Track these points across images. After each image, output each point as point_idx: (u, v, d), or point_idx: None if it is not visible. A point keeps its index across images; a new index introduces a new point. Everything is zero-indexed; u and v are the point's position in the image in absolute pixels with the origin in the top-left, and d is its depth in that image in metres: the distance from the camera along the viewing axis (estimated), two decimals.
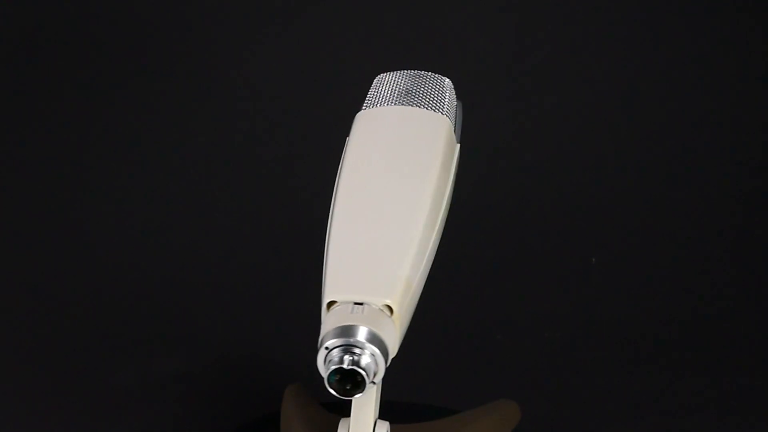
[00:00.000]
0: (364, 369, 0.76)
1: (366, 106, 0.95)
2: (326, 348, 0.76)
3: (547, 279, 1.46)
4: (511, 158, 1.56)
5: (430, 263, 0.86)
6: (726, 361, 1.33)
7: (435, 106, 0.93)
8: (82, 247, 1.48)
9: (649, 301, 1.43)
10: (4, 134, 1.56)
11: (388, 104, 0.94)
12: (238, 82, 1.59)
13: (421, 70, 0.98)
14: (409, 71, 0.97)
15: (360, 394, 0.77)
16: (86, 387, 1.27)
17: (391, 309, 0.79)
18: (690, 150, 1.57)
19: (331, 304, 0.79)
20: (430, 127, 0.92)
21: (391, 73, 0.97)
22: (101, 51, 1.59)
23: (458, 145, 0.94)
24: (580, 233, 1.51)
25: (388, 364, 0.78)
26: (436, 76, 0.97)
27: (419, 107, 0.93)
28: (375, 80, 0.97)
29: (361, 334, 0.76)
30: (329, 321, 0.78)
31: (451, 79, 0.98)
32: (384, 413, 0.92)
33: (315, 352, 0.77)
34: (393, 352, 0.78)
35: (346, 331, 0.76)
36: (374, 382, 0.77)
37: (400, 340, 0.80)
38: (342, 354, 0.76)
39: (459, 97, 0.98)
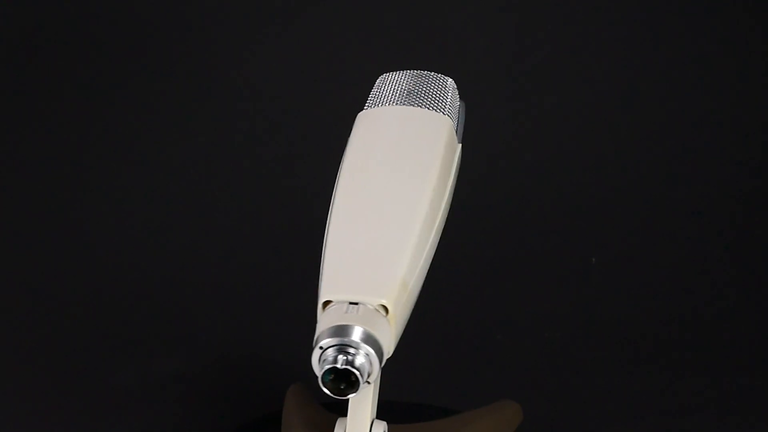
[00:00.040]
0: (358, 369, 0.76)
1: (368, 106, 0.95)
2: (320, 347, 0.76)
3: (547, 279, 1.46)
4: (511, 158, 1.56)
5: (429, 263, 0.86)
6: (726, 361, 1.33)
7: (437, 107, 0.93)
8: (82, 247, 1.48)
9: (649, 301, 1.43)
10: (4, 134, 1.56)
11: (389, 104, 0.94)
12: (238, 82, 1.59)
13: (423, 70, 0.98)
14: (412, 71, 0.97)
15: (354, 394, 0.77)
16: (86, 387, 1.27)
17: (386, 309, 0.79)
18: (690, 150, 1.57)
19: (326, 303, 0.79)
20: (431, 127, 0.92)
21: (394, 72, 0.97)
22: (101, 51, 1.59)
23: (460, 145, 0.94)
24: (580, 233, 1.51)
25: (383, 364, 0.78)
26: (439, 76, 0.97)
27: (421, 107, 0.93)
28: (378, 80, 0.97)
29: (356, 334, 0.76)
30: (324, 320, 0.78)
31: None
32: (384, 413, 0.92)
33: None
34: (388, 352, 0.79)
35: (341, 330, 0.77)
36: (369, 382, 0.77)
37: (396, 340, 0.80)
38: (336, 354, 0.76)
39: (459, 97, 0.98)
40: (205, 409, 1.24)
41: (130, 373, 1.29)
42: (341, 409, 0.92)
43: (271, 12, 1.59)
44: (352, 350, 0.76)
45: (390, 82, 0.96)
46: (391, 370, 0.96)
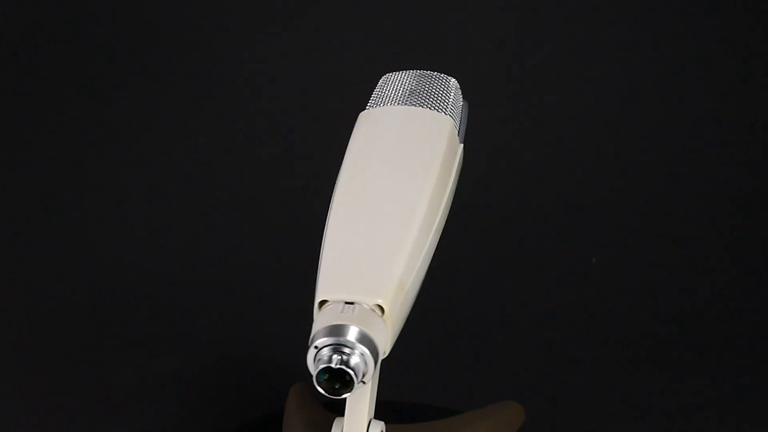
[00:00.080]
0: (352, 369, 0.76)
1: (370, 106, 0.95)
2: (315, 347, 0.76)
3: (547, 279, 1.46)
4: (511, 158, 1.56)
5: (428, 263, 0.86)
6: (726, 361, 1.33)
7: (438, 107, 0.93)
8: (82, 247, 1.48)
9: (649, 301, 1.43)
10: (4, 134, 1.56)
11: (391, 104, 0.94)
12: (238, 82, 1.59)
13: (426, 70, 0.98)
14: (415, 71, 0.97)
15: (348, 394, 0.77)
16: (86, 387, 1.27)
17: (382, 309, 0.79)
18: (690, 150, 1.57)
19: (323, 303, 0.79)
20: (432, 127, 0.92)
21: (397, 72, 0.97)
22: (101, 51, 1.59)
23: (461, 145, 0.94)
24: (580, 233, 1.51)
25: (379, 363, 0.78)
26: (442, 75, 0.97)
27: (422, 107, 0.93)
28: (381, 80, 0.97)
29: (351, 334, 0.76)
30: (320, 320, 0.78)
31: None
32: (383, 413, 0.92)
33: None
34: (384, 352, 0.79)
35: (336, 330, 0.77)
36: (364, 382, 0.77)
37: (393, 340, 0.80)
38: (331, 353, 0.76)
39: (462, 97, 0.98)
40: (205, 409, 1.24)
41: (130, 373, 1.29)
42: (342, 409, 0.92)
43: (271, 12, 1.59)
44: (347, 350, 0.76)
45: (392, 82, 0.96)
46: (391, 370, 0.96)
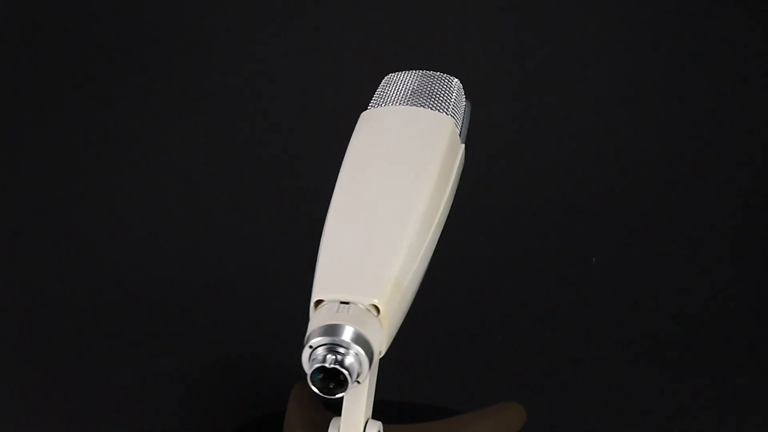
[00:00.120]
0: (347, 369, 0.76)
1: (372, 106, 0.95)
2: (310, 346, 0.77)
3: (547, 279, 1.46)
4: (511, 158, 1.56)
5: (426, 263, 0.86)
6: (726, 361, 1.33)
7: (440, 107, 0.93)
8: (82, 247, 1.48)
9: (649, 301, 1.43)
10: (4, 134, 1.56)
11: (393, 104, 0.94)
12: (238, 82, 1.59)
13: (429, 70, 0.97)
14: (417, 71, 0.97)
15: (342, 393, 0.77)
16: (86, 387, 1.27)
17: (378, 309, 0.79)
18: (690, 150, 1.57)
19: (318, 303, 0.79)
20: (433, 128, 0.92)
21: (400, 73, 0.97)
22: (101, 51, 1.59)
23: (463, 145, 0.94)
24: (580, 233, 1.51)
25: (374, 363, 0.78)
26: (445, 76, 0.97)
27: (424, 107, 0.93)
28: (384, 80, 0.97)
29: (345, 334, 0.77)
30: (315, 320, 0.78)
31: None
32: (383, 413, 0.92)
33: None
34: (379, 351, 0.79)
35: (330, 330, 0.77)
36: (358, 382, 0.77)
37: (389, 340, 0.80)
38: (326, 353, 0.76)
39: (465, 97, 0.98)
40: (205, 409, 1.24)
41: (130, 373, 1.29)
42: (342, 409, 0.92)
43: (271, 12, 1.59)
44: (341, 350, 0.76)
45: (395, 82, 0.96)
46: (391, 370, 0.96)
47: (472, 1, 1.59)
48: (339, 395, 0.77)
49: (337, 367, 0.76)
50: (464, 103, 0.97)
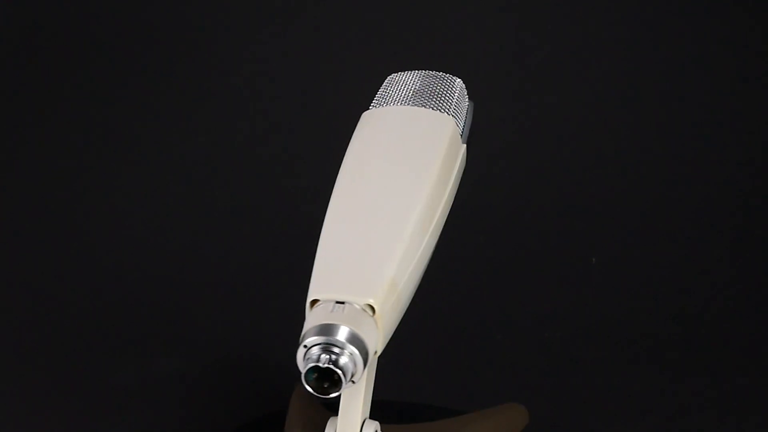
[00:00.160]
0: (341, 368, 0.76)
1: (373, 106, 0.95)
2: (305, 346, 0.77)
3: (547, 279, 1.46)
4: (511, 158, 1.56)
5: (424, 263, 0.86)
6: (726, 361, 1.33)
7: (441, 107, 0.93)
8: (81, 247, 1.48)
9: (649, 300, 1.43)
10: (4, 134, 1.56)
11: (395, 104, 0.94)
12: (238, 82, 1.58)
13: (432, 70, 0.97)
14: (420, 71, 0.97)
15: (336, 393, 0.77)
16: (86, 387, 1.27)
17: (373, 308, 0.79)
18: (690, 150, 1.57)
19: (314, 302, 0.79)
20: (433, 128, 0.92)
21: (403, 73, 0.97)
22: (101, 51, 1.59)
23: (464, 145, 0.94)
24: (580, 233, 1.51)
25: (369, 363, 0.78)
26: (447, 76, 0.97)
27: (425, 107, 0.93)
28: (386, 80, 0.97)
29: (340, 334, 0.77)
30: (310, 319, 0.78)
31: None
32: (383, 413, 0.92)
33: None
34: (375, 352, 0.79)
35: (325, 329, 0.77)
36: (353, 381, 0.77)
37: (385, 340, 0.80)
38: (320, 352, 0.76)
39: (468, 97, 0.98)
40: (205, 409, 1.24)
41: (130, 373, 1.29)
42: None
43: (271, 12, 1.59)
44: (336, 349, 0.76)
45: (397, 82, 0.96)
46: (391, 370, 0.96)
47: (472, 0, 1.59)
48: (333, 395, 0.77)
49: (331, 366, 0.76)
50: (467, 103, 0.97)
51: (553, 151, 1.57)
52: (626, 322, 1.39)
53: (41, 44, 1.58)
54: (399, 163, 0.89)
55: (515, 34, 1.60)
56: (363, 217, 0.85)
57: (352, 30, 1.59)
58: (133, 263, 1.46)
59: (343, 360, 0.76)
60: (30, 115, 1.57)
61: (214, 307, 1.41)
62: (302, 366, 0.77)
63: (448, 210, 0.90)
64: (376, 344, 0.79)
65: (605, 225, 1.52)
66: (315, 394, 0.77)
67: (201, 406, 1.25)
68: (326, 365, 0.76)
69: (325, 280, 0.80)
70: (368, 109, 0.95)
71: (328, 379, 0.77)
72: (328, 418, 0.96)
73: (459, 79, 0.97)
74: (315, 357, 0.76)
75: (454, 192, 0.91)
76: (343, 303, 0.79)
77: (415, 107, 0.93)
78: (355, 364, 0.77)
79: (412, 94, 0.94)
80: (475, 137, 0.97)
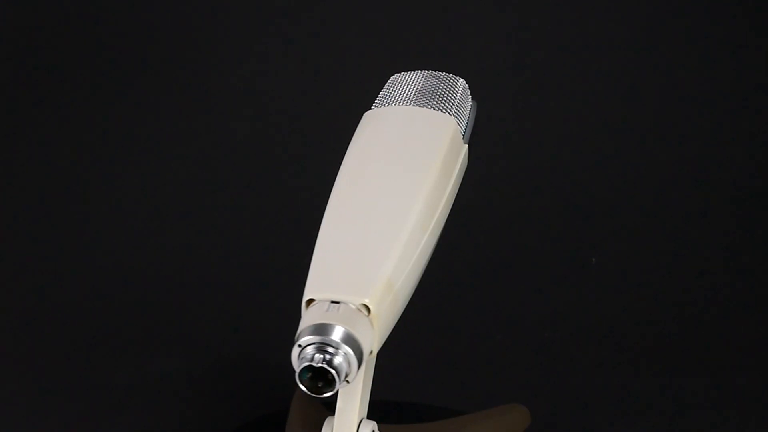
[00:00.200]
0: (335, 368, 0.76)
1: (376, 106, 0.95)
2: (299, 345, 0.77)
3: (547, 279, 1.46)
4: (511, 158, 1.56)
5: (423, 263, 0.86)
6: (726, 361, 1.33)
7: (443, 107, 0.93)
8: (81, 247, 1.48)
9: (649, 301, 1.43)
10: (4, 134, 1.56)
11: (397, 104, 0.94)
12: (238, 82, 1.58)
13: (435, 71, 0.97)
14: (423, 71, 0.97)
15: (330, 393, 0.77)
16: (86, 387, 1.27)
17: (369, 308, 0.79)
18: (690, 150, 1.57)
19: (310, 302, 0.79)
20: (434, 128, 0.92)
21: (406, 73, 0.97)
22: (102, 51, 1.59)
23: (466, 146, 0.94)
24: (580, 233, 1.51)
25: (364, 363, 0.78)
26: (450, 76, 0.97)
27: (427, 108, 0.93)
28: (389, 80, 0.97)
29: (335, 333, 0.77)
30: (305, 318, 0.78)
31: None
32: (382, 413, 0.91)
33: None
34: (369, 351, 0.78)
35: (320, 329, 0.77)
36: (348, 381, 0.77)
37: (381, 340, 0.80)
38: (314, 352, 0.76)
39: (471, 97, 0.97)
40: (205, 409, 1.24)
41: (130, 373, 1.29)
42: None
43: (271, 12, 1.59)
44: (330, 349, 0.76)
45: (400, 82, 0.96)
46: (391, 370, 0.96)
47: (473, 1, 1.59)
48: (327, 394, 0.77)
49: (325, 366, 0.76)
50: (470, 104, 0.96)
51: (553, 151, 1.57)
52: (626, 323, 1.39)
53: (41, 44, 1.58)
54: (398, 162, 0.89)
55: (516, 34, 1.60)
56: (360, 217, 0.85)
57: (355, 30, 1.59)
58: (133, 263, 1.46)
59: (338, 360, 0.76)
60: (30, 115, 1.57)
61: (214, 307, 1.41)
62: (296, 365, 0.77)
63: (449, 210, 0.90)
64: (372, 344, 0.79)
65: (605, 225, 1.52)
66: (309, 393, 0.77)
67: (201, 406, 1.25)
68: (320, 365, 0.76)
69: (321, 280, 0.80)
70: (370, 108, 0.95)
71: (322, 378, 0.77)
72: (325, 416, 0.96)
73: (462, 80, 0.97)
74: (309, 356, 0.76)
75: (455, 192, 0.91)
76: (338, 303, 0.79)
77: (417, 107, 0.93)
78: (349, 364, 0.77)
79: (415, 94, 0.94)
80: (477, 137, 0.97)
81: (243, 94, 1.58)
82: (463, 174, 0.93)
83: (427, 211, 0.86)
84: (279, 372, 1.28)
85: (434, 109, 0.93)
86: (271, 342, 1.34)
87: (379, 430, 0.89)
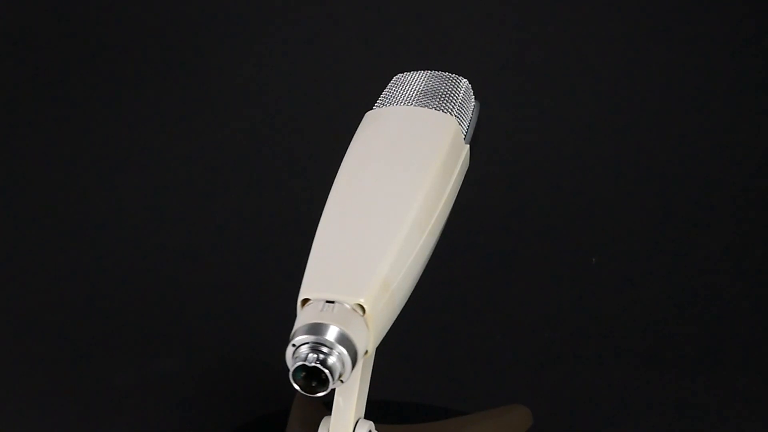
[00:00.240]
0: (329, 368, 0.76)
1: (377, 106, 0.95)
2: (293, 345, 0.77)
3: (547, 279, 1.46)
4: (511, 158, 1.56)
5: (421, 263, 0.86)
6: (726, 361, 1.33)
7: (444, 107, 0.93)
8: (81, 247, 1.48)
9: (649, 301, 1.43)
10: (4, 134, 1.56)
11: (399, 104, 0.94)
12: (238, 82, 1.58)
13: (438, 71, 0.97)
14: (426, 71, 0.97)
15: (324, 393, 0.77)
16: (86, 387, 1.27)
17: (363, 308, 0.79)
18: (690, 150, 1.57)
19: (306, 301, 0.79)
20: (435, 128, 0.92)
21: (409, 73, 0.97)
22: (102, 51, 1.59)
23: (467, 146, 0.94)
24: (580, 233, 1.51)
25: (358, 363, 0.78)
26: (453, 76, 0.96)
27: (428, 108, 0.93)
28: (393, 79, 0.97)
29: (329, 333, 0.77)
30: (300, 318, 0.78)
31: None
32: (382, 413, 0.91)
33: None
34: (363, 352, 0.79)
35: (314, 329, 0.77)
36: (342, 381, 0.77)
37: (377, 340, 0.80)
38: (308, 351, 0.76)
39: (474, 97, 0.97)
40: (205, 409, 1.24)
41: (130, 373, 1.29)
42: None
43: (272, 12, 1.59)
44: (324, 349, 0.76)
45: (402, 83, 0.96)
46: (391, 370, 0.96)
47: (473, 0, 1.59)
48: (321, 394, 0.77)
49: (318, 366, 0.76)
50: (473, 104, 0.96)
51: (553, 151, 1.57)
52: (626, 322, 1.39)
53: (41, 44, 1.58)
54: (397, 162, 0.89)
55: (516, 34, 1.60)
56: (358, 217, 0.85)
57: (358, 29, 1.59)
58: (133, 263, 1.46)
59: (331, 360, 0.76)
60: (30, 115, 1.57)
61: (214, 307, 1.41)
62: (290, 364, 0.77)
63: (449, 210, 0.90)
64: (366, 344, 0.79)
65: (605, 225, 1.52)
66: (302, 392, 0.77)
67: (201, 406, 1.25)
68: (313, 364, 0.76)
69: (316, 280, 0.81)
70: (372, 108, 0.95)
71: (316, 378, 0.77)
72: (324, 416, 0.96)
73: (465, 80, 0.97)
74: (303, 356, 0.77)
75: (456, 192, 0.91)
76: (333, 302, 0.79)
77: (418, 107, 0.93)
78: (343, 364, 0.77)
79: (416, 94, 0.94)
80: (480, 137, 0.96)
81: (244, 93, 1.58)
82: (464, 174, 0.93)
83: (426, 211, 0.86)
84: (279, 372, 1.28)
85: (436, 109, 0.93)
86: (271, 342, 1.34)
87: (376, 429, 0.89)
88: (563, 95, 1.59)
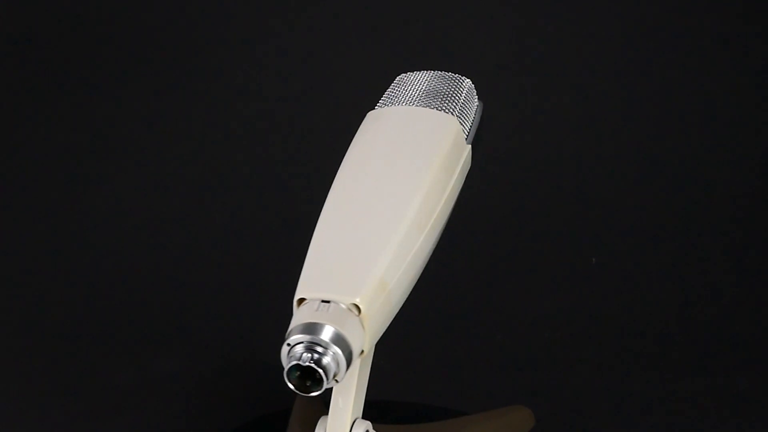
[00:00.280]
0: (323, 368, 0.76)
1: (379, 106, 0.95)
2: (288, 344, 0.77)
3: (547, 279, 1.46)
4: (511, 158, 1.56)
5: (420, 264, 0.86)
6: (726, 361, 1.33)
7: (447, 108, 0.93)
8: (81, 247, 1.48)
9: (649, 301, 1.43)
10: (4, 134, 1.56)
11: (401, 104, 0.94)
12: (239, 81, 1.58)
13: (441, 71, 0.97)
14: (430, 71, 0.97)
15: (318, 392, 0.77)
16: (86, 387, 1.27)
17: (359, 308, 0.79)
18: (690, 150, 1.57)
19: (302, 301, 0.79)
20: (436, 128, 0.92)
21: (412, 73, 0.97)
22: (102, 51, 1.58)
23: (469, 146, 0.94)
24: (580, 233, 1.51)
25: (354, 363, 0.78)
26: (456, 76, 0.96)
27: (430, 108, 0.93)
28: (396, 79, 0.97)
29: (324, 333, 0.77)
30: (296, 317, 0.78)
31: None
32: (384, 413, 0.91)
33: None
34: (359, 351, 0.79)
35: (309, 328, 0.77)
36: (336, 381, 0.77)
37: (372, 340, 0.80)
38: (303, 351, 0.76)
39: (477, 98, 0.97)
40: (205, 409, 1.24)
41: (130, 373, 1.29)
42: None
43: (272, 12, 1.59)
44: (319, 348, 0.76)
45: (405, 83, 0.96)
46: (391, 370, 0.96)
47: (474, 1, 1.59)
48: (315, 393, 0.77)
49: (313, 365, 0.76)
50: (476, 104, 0.96)
51: (553, 151, 1.57)
52: (626, 323, 1.39)
53: (42, 44, 1.58)
54: (397, 162, 0.89)
55: (517, 34, 1.60)
56: (356, 217, 0.85)
57: (360, 29, 1.59)
58: (133, 263, 1.46)
59: (326, 359, 0.76)
60: (30, 115, 1.57)
61: (214, 307, 1.41)
62: (285, 363, 0.77)
63: (449, 210, 0.90)
64: (362, 344, 0.79)
65: (605, 225, 1.52)
66: (297, 392, 0.77)
67: (201, 406, 1.25)
68: (308, 364, 0.76)
69: (312, 279, 0.81)
70: (374, 108, 0.95)
71: (311, 377, 0.77)
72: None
73: (468, 80, 0.97)
74: (298, 355, 0.77)
75: (456, 193, 0.91)
76: (328, 302, 0.79)
77: (420, 107, 0.93)
78: (338, 364, 0.77)
79: (419, 95, 0.94)
80: (483, 138, 0.96)
81: (244, 93, 1.58)
82: (465, 174, 0.93)
83: (425, 211, 0.86)
84: (279, 372, 1.28)
85: (437, 109, 0.93)
86: (271, 342, 1.34)
87: (374, 429, 0.89)
88: (563, 95, 1.59)
